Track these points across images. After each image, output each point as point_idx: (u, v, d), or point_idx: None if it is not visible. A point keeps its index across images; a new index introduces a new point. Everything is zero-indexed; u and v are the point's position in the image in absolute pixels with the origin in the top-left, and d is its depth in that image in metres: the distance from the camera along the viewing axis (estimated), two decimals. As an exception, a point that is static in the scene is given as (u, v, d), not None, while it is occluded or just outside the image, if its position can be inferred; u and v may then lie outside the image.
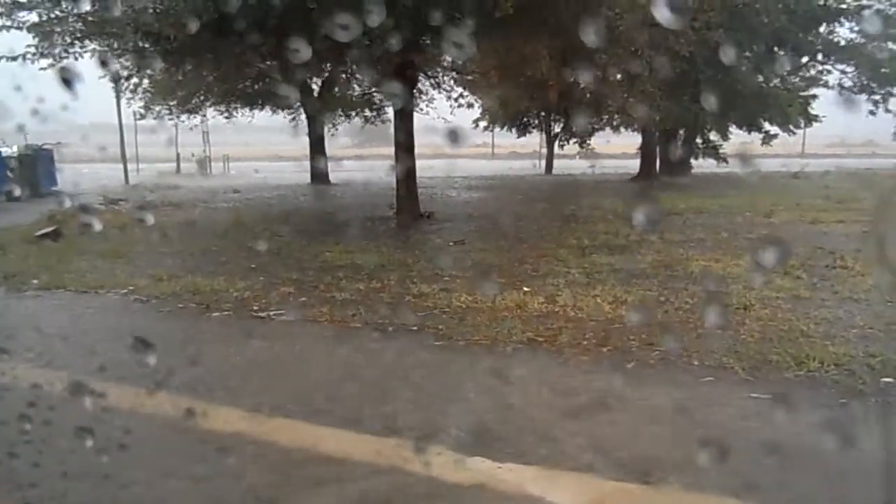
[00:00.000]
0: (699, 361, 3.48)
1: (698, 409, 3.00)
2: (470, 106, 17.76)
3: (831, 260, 5.90)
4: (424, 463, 2.43)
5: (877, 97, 18.89)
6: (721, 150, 20.43)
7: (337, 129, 20.69)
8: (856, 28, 17.65)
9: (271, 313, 4.71)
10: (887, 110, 18.90)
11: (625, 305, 4.58)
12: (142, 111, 16.36)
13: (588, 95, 16.01)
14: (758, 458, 2.40)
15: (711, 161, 20.32)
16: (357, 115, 19.71)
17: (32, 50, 9.30)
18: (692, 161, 21.00)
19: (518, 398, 3.17)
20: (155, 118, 16.46)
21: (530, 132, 24.14)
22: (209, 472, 2.48)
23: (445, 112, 16.39)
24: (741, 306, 4.43)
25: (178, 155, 23.18)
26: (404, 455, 2.52)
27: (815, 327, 4.01)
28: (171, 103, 16.90)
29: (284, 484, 2.42)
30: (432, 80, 15.12)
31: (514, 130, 23.82)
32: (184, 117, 18.35)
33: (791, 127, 20.27)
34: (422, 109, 16.36)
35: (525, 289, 5.02)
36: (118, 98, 16.53)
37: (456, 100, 16.28)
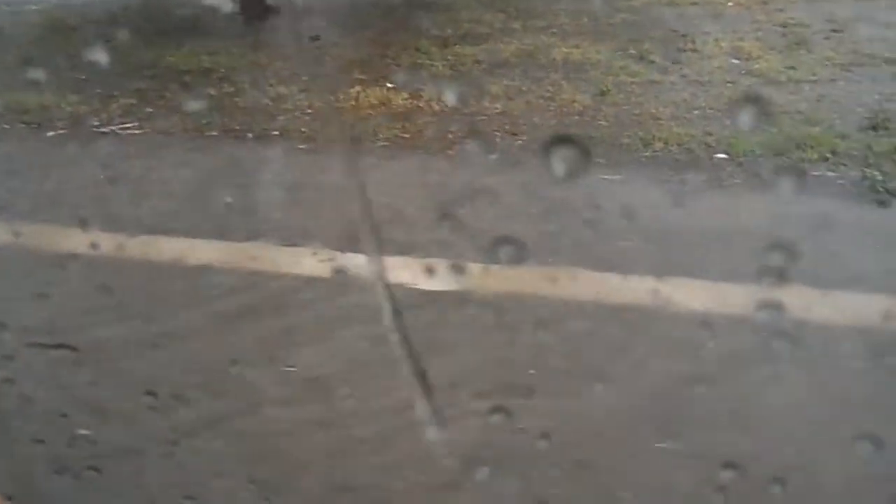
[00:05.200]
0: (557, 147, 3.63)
1: (554, 193, 3.18)
2: None
3: (683, 43, 6.11)
4: (299, 264, 2.46)
5: None
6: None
7: None
8: None
9: (115, 128, 4.33)
10: None
11: (489, 97, 4.59)
12: None
13: None
14: (604, 232, 2.64)
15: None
16: None
17: None
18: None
19: (387, 195, 3.21)
20: None
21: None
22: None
23: None
24: (598, 92, 4.58)
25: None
26: (278, 258, 2.54)
27: (664, 110, 4.24)
28: None
29: (151, 294, 2.39)
30: None
31: None
32: None
33: None
34: None
35: (388, 84, 4.87)
36: None
37: None
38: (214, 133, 4.14)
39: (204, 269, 2.54)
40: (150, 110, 4.63)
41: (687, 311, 1.98)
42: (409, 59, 5.78)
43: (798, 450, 1.84)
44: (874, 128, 3.70)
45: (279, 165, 3.66)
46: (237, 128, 4.16)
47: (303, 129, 4.07)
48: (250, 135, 4.08)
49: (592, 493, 1.79)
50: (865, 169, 3.33)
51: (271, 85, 5.05)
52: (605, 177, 3.29)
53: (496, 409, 1.70)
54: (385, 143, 3.82)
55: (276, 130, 4.12)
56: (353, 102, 4.51)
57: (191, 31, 7.62)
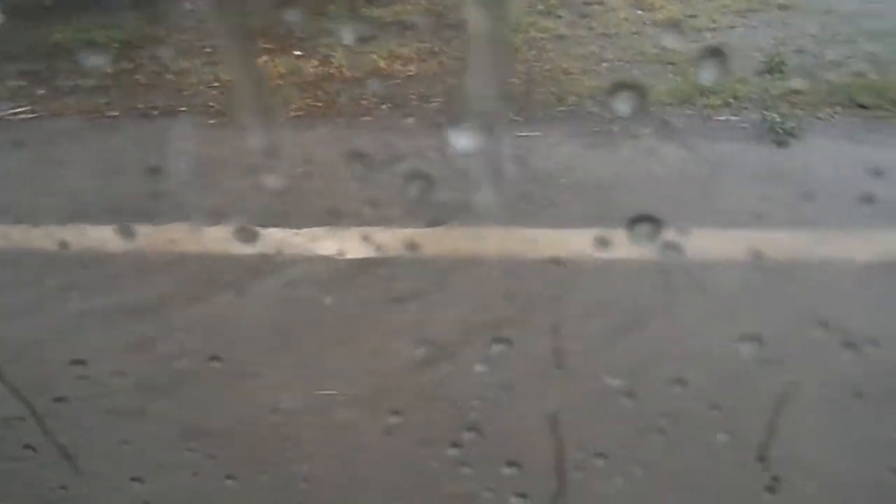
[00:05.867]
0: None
1: (473, 154, 3.20)
2: None
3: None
4: (221, 243, 2.40)
5: None
6: None
7: None
8: None
9: (4, 113, 4.05)
10: None
11: (400, 60, 4.53)
12: None
13: None
14: (524, 188, 2.69)
15: None
16: None
17: None
18: None
19: (305, 166, 3.15)
20: None
21: None
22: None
23: None
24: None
25: None
26: (198, 239, 2.47)
27: (574, 64, 4.31)
28: None
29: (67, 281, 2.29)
30: None
31: None
32: None
33: None
34: None
35: (296, 52, 4.74)
36: None
37: None
38: (116, 113, 3.93)
39: (122, 256, 2.44)
40: (42, 92, 4.34)
41: (600, 257, 2.06)
42: (315, 25, 5.62)
43: (694, 353, 2.00)
44: (770, 71, 3.88)
45: (190, 143, 3.52)
46: (140, 106, 3.97)
47: (211, 104, 3.92)
48: (155, 112, 3.90)
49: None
50: (764, 112, 3.50)
51: (173, 59, 4.81)
52: (523, 134, 3.34)
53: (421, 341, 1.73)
54: (298, 113, 3.73)
55: (183, 106, 3.95)
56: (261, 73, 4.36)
57: (78, 7, 7.16)
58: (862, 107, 3.58)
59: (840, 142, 3.31)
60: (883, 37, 4.05)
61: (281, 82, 4.19)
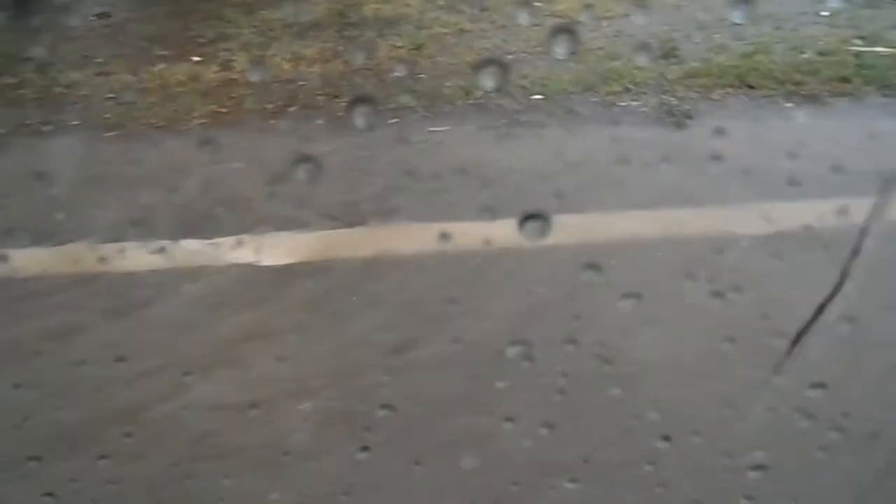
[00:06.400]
0: (382, 105, 3.63)
1: (389, 151, 3.20)
2: None
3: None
4: (128, 259, 2.30)
5: None
6: None
7: None
8: None
9: None
10: None
11: (305, 61, 4.46)
12: None
13: None
14: (435, 184, 2.71)
15: None
16: None
17: None
18: None
19: (215, 174, 3.06)
20: None
21: None
22: None
23: None
24: (414, 46, 4.61)
25: None
26: (103, 257, 2.36)
27: (478, 56, 4.37)
28: None
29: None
30: None
31: None
32: None
33: None
34: None
35: (195, 58, 4.58)
36: None
37: None
38: (2, 131, 3.69)
39: (22, 281, 2.30)
40: (-84, 114, 4.02)
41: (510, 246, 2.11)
42: (213, 29, 5.44)
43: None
44: (665, 56, 4.06)
45: (86, 158, 3.34)
46: (28, 122, 3.74)
47: (107, 115, 3.74)
48: (46, 128, 3.69)
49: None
50: (662, 96, 3.66)
51: (61, 71, 4.55)
52: (433, 129, 3.36)
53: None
54: (202, 121, 3.62)
55: (75, 120, 3.76)
56: (159, 81, 4.19)
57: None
58: (750, 87, 3.80)
59: (732, 121, 3.49)
60: (763, 20, 4.31)
61: (181, 90, 4.04)
